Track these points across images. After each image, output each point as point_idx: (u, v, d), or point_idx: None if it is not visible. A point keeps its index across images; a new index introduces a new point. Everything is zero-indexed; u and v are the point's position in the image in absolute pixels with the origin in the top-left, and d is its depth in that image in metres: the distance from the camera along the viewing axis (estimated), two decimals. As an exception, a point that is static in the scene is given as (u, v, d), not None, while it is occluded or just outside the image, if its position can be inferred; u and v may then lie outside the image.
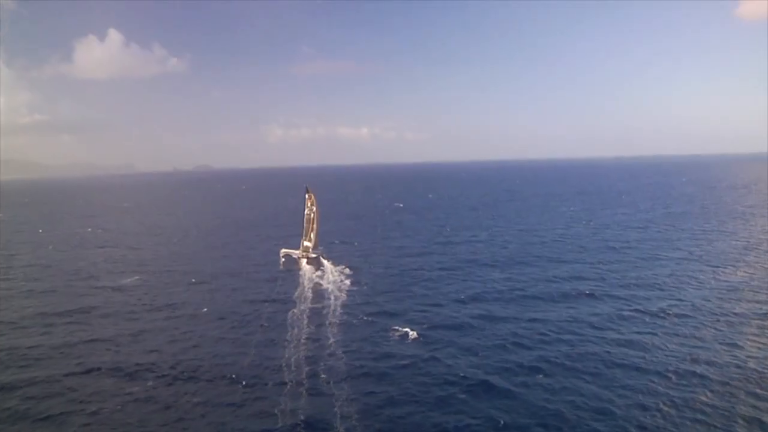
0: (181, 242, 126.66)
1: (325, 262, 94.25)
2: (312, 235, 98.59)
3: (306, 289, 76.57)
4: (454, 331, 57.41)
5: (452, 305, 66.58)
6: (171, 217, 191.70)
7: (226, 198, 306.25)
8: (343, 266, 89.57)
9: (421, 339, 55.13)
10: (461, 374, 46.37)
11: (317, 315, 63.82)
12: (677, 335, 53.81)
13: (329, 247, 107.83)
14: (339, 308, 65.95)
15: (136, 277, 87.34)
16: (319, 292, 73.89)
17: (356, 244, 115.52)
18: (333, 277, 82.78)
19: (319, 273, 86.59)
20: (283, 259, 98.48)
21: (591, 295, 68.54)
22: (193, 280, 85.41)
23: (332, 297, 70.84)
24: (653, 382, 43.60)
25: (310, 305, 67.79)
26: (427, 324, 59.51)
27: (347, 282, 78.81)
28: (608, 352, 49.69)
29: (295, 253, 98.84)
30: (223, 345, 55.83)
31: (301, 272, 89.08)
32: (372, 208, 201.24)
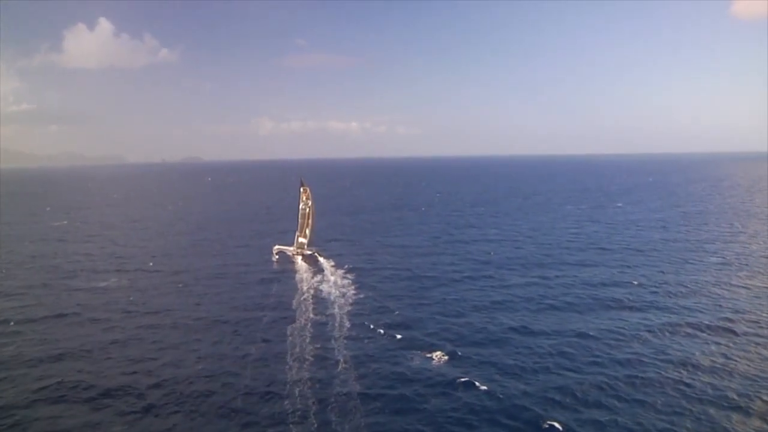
0: (168, 238, 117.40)
1: (321, 260, 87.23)
2: (307, 231, 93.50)
3: (305, 293, 68.01)
4: (486, 347, 49.12)
5: (477, 315, 58.32)
6: (158, 210, 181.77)
7: (215, 191, 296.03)
8: (344, 266, 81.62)
9: (448, 357, 46.80)
10: (505, 404, 38.09)
11: (321, 326, 55.27)
12: (759, 356, 45.82)
13: (326, 245, 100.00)
14: (346, 318, 57.46)
15: (116, 279, 78.16)
16: (320, 298, 65.27)
17: (355, 241, 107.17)
18: (334, 278, 74.56)
19: (317, 274, 78.32)
20: (276, 257, 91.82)
21: (633, 305, 60.49)
22: (180, 282, 76.51)
23: (336, 304, 62.30)
24: (744, 422, 35.49)
25: (312, 314, 59.19)
26: (452, 338, 51.20)
27: (351, 286, 70.38)
28: (680, 380, 41.46)
29: (290, 249, 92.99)
30: (212, 363, 47.11)
31: (297, 272, 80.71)
32: (368, 203, 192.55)
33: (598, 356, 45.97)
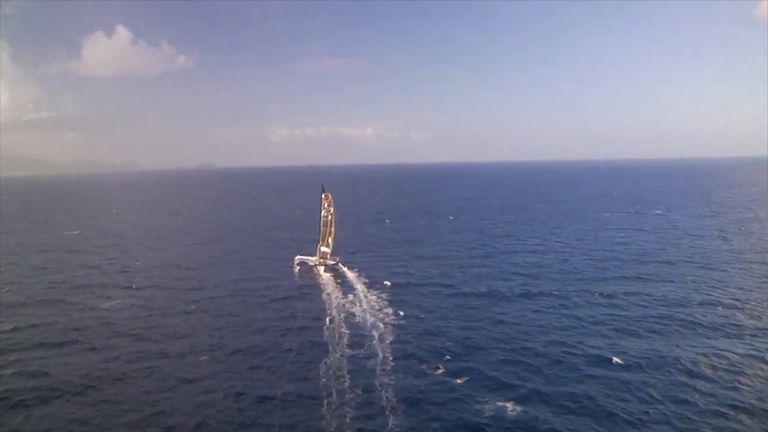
0: (182, 249, 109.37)
1: (347, 272, 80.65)
2: (330, 240, 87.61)
3: (335, 314, 59.16)
4: (566, 386, 40.12)
5: (546, 343, 49.25)
6: (171, 218, 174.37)
7: (230, 197, 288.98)
8: (376, 282, 73.58)
9: (524, 402, 37.78)
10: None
11: (359, 360, 46.34)
12: None
13: (352, 257, 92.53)
14: (388, 348, 48.58)
15: (124, 297, 69.82)
16: (354, 323, 56.22)
17: (383, 252, 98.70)
18: (366, 297, 66.12)
19: (346, 291, 69.77)
20: (297, 267, 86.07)
21: (733, 331, 50.98)
22: (195, 301, 68.15)
23: (374, 329, 53.44)
24: None
25: (346, 343, 50.25)
26: (524, 375, 42.41)
27: (388, 306, 61.58)
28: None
29: (311, 260, 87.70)
30: (232, 409, 38.41)
31: (323, 288, 72.45)
32: (390, 210, 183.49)
33: (720, 399, 36.45)
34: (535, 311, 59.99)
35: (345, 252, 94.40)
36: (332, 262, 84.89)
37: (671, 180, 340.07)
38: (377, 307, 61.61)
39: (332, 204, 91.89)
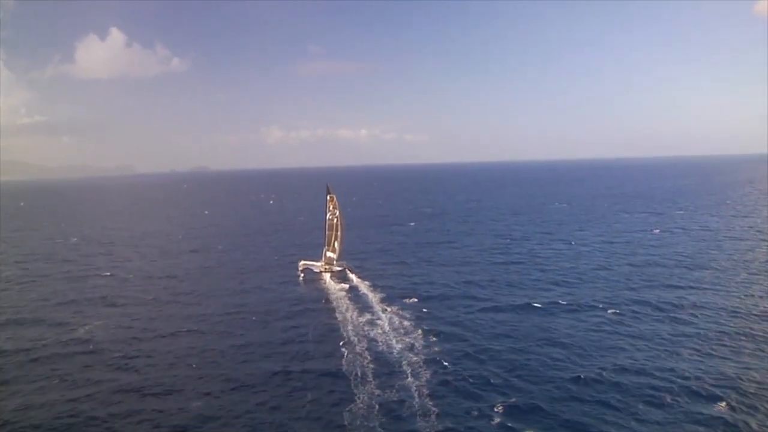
0: (173, 258, 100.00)
1: (356, 280, 74.20)
2: (336, 245, 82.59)
3: (353, 339, 50.09)
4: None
5: (634, 383, 39.74)
6: (164, 224, 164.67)
7: (225, 201, 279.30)
8: (391, 294, 65.53)
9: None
10: None
11: (393, 410, 36.90)
12: None
13: (361, 264, 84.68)
14: (427, 392, 39.26)
15: (104, 320, 60.31)
16: (377, 352, 46.77)
17: (396, 259, 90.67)
18: (383, 312, 57.98)
19: (360, 307, 60.95)
20: (302, 275, 79.99)
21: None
22: (186, 322, 58.84)
23: (404, 363, 44.16)
24: None
25: (373, 385, 40.72)
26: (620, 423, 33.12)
27: (413, 328, 52.56)
28: None
29: (317, 265, 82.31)
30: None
31: (333, 303, 64.03)
32: (395, 212, 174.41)
33: None
34: (590, 329, 51.24)
35: (353, 259, 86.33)
36: (339, 269, 79.93)
37: (677, 179, 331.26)
38: (401, 328, 52.60)
39: (337, 206, 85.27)
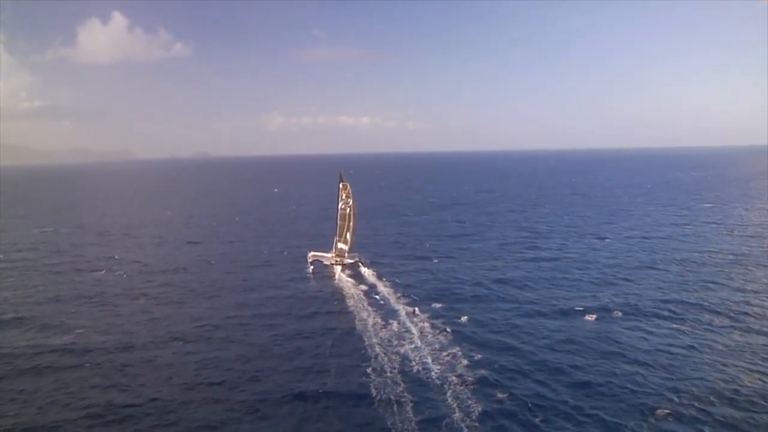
0: (172, 251, 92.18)
1: (371, 276, 68.22)
2: (348, 236, 77.46)
3: (381, 357, 42.25)
4: None
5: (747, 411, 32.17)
6: (162, 212, 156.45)
7: (227, 188, 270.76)
8: (415, 296, 58.23)
9: None
10: None
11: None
12: None
13: (378, 259, 77.82)
14: (477, 425, 31.53)
15: (80, 328, 52.05)
16: (413, 377, 38.65)
17: (411, 253, 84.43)
18: (410, 319, 50.31)
19: (383, 313, 53.31)
20: (311, 267, 74.77)
21: None
22: (181, 331, 50.88)
23: (448, 393, 36.09)
24: None
25: (412, 416, 33.11)
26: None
27: (450, 342, 44.56)
28: None
29: (327, 257, 77.53)
30: None
31: (350, 306, 56.99)
32: (405, 202, 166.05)
33: None
34: (662, 342, 43.52)
35: (365, 252, 79.70)
36: (351, 261, 75.13)
37: (688, 170, 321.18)
38: (435, 340, 44.75)
39: (350, 195, 79.11)
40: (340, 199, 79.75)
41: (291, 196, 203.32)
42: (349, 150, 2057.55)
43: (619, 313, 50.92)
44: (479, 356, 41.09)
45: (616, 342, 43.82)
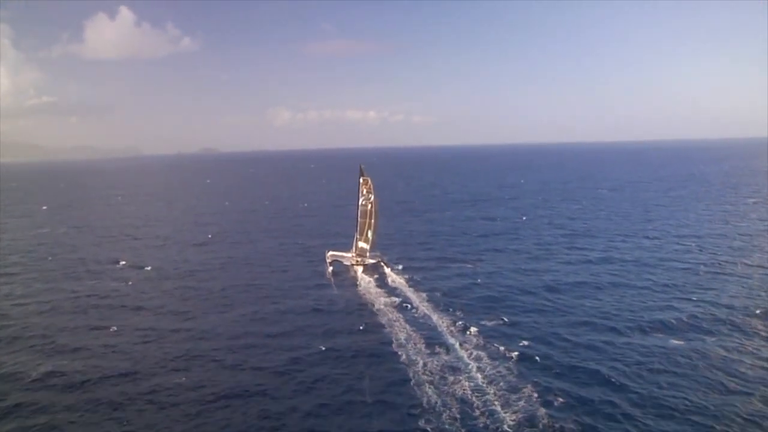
0: (176, 254, 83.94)
1: (394, 276, 62.97)
2: (369, 234, 72.14)
3: (431, 395, 34.01)
4: None
5: None
6: (166, 211, 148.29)
7: (234, 184, 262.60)
8: (457, 308, 50.51)
9: None
10: None
11: None
12: None
13: (407, 263, 69.72)
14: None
15: (63, 361, 43.81)
16: (479, 428, 30.54)
17: (439, 254, 77.11)
18: (459, 345, 42.16)
19: (423, 333, 45.06)
20: (330, 268, 69.02)
21: None
22: (183, 352, 42.69)
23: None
24: None
25: None
26: None
27: (517, 376, 36.18)
28: None
29: (346, 257, 72.57)
30: None
31: (384, 321, 48.16)
32: (421, 199, 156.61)
33: None
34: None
35: (390, 254, 72.56)
36: (373, 261, 70.04)
37: (709, 163, 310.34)
38: (498, 376, 36.19)
39: (372, 190, 72.89)
40: (360, 195, 73.31)
41: (300, 192, 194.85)
42: (356, 144, 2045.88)
43: (711, 328, 42.34)
44: (562, 398, 32.63)
45: (724, 370, 35.18)
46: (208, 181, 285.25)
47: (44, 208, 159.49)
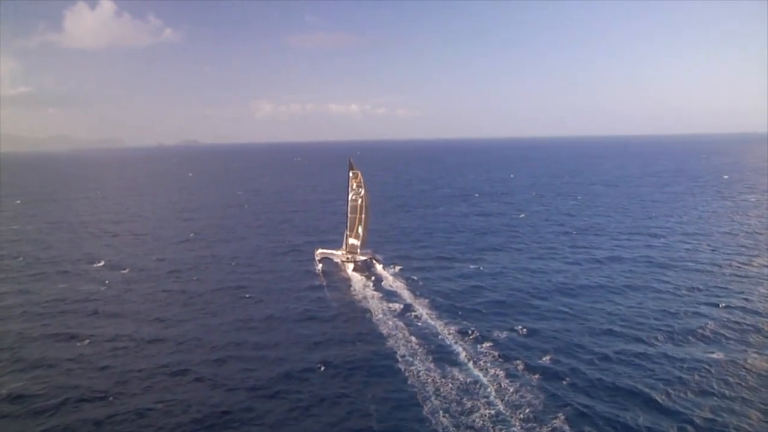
0: (157, 252, 78.31)
1: (389, 275, 59.81)
2: (360, 230, 69.38)
3: (446, 424, 29.25)
4: None
5: None
6: (143, 207, 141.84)
7: (216, 178, 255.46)
8: (465, 318, 45.75)
9: None
10: None
11: None
12: None
13: (395, 259, 66.97)
14: None
15: (29, 379, 38.63)
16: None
17: (437, 253, 72.90)
18: (465, 353, 38.11)
19: (429, 342, 40.89)
20: (320, 266, 66.62)
21: None
22: (160, 378, 37.58)
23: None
24: None
25: None
26: None
27: (544, 405, 31.61)
28: None
29: (337, 254, 70.25)
30: None
31: (385, 331, 43.65)
32: (410, 194, 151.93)
33: None
34: None
35: (384, 251, 70.30)
36: (363, 258, 67.58)
37: (701, 158, 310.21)
38: (522, 401, 31.96)
39: (362, 184, 70.11)
40: (350, 189, 70.00)
41: (285, 186, 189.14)
42: (340, 137, 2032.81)
43: (748, 338, 38.48)
44: (602, 426, 28.17)
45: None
46: (190, 174, 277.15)
47: (17, 202, 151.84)
